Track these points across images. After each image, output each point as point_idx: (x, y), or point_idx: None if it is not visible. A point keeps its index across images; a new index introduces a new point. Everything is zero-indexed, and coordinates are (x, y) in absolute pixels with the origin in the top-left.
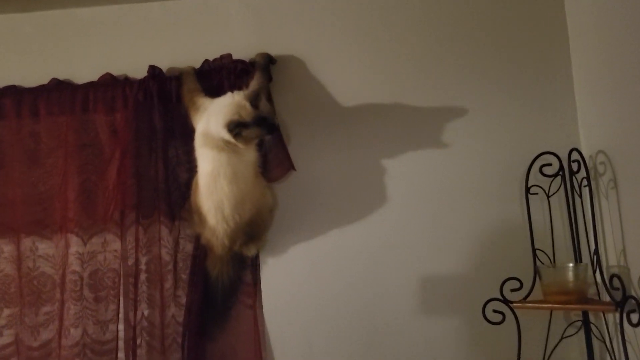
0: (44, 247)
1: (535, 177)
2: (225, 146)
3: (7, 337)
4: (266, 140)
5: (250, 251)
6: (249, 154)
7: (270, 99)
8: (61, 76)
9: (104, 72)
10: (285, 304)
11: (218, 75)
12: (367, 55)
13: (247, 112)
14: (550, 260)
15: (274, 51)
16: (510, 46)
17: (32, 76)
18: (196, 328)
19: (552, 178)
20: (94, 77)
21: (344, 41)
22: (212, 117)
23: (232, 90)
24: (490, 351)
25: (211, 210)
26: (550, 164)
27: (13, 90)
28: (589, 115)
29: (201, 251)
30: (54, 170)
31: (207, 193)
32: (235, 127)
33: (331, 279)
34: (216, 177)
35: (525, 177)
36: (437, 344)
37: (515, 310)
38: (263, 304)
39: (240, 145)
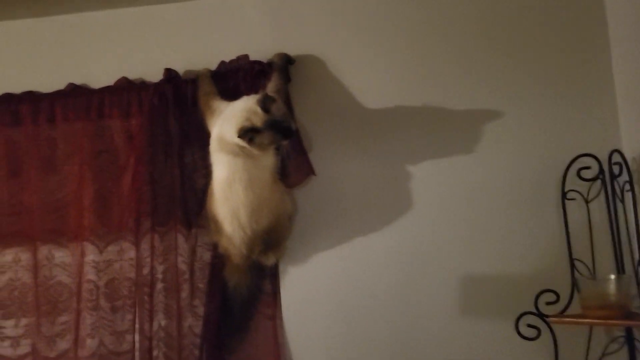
0: (61, 255)
1: (573, 181)
2: (240, 151)
3: (24, 347)
4: (283, 145)
5: (269, 260)
6: (266, 159)
7: (288, 101)
8: (78, 81)
9: (120, 76)
10: (306, 314)
11: (234, 77)
12: (391, 54)
13: (259, 117)
14: (589, 271)
15: (292, 51)
16: (545, 41)
17: (48, 81)
18: (214, 340)
19: (591, 182)
20: (110, 81)
21: (367, 39)
22: (225, 122)
23: (249, 93)
24: None
25: (227, 218)
26: (589, 167)
27: (30, 96)
28: (631, 114)
29: (219, 260)
30: (69, 177)
31: (222, 199)
32: (246, 134)
33: (354, 289)
34: (231, 183)
35: (561, 181)
36: None
37: (551, 325)
38: (283, 315)
39: (255, 151)
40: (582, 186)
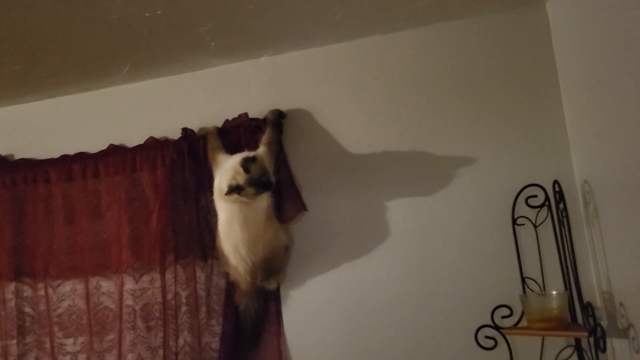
0: (106, 285)
1: (522, 209)
2: (236, 199)
3: None
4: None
5: (271, 285)
6: (259, 202)
7: (281, 149)
8: (116, 141)
9: (148, 136)
10: (305, 330)
11: (236, 132)
12: (370, 106)
13: (241, 176)
14: (540, 287)
15: (284, 106)
16: (500, 85)
17: (94, 143)
18: (230, 354)
19: (538, 209)
20: (142, 140)
21: (349, 94)
22: (221, 177)
23: (248, 145)
24: None
25: (231, 252)
26: (535, 196)
27: (80, 157)
28: (579, 147)
29: (231, 286)
30: (111, 222)
31: (225, 238)
32: (232, 191)
33: (345, 307)
34: (231, 224)
35: (511, 208)
36: None
37: (505, 335)
38: (286, 331)
39: (246, 200)
40: (531, 212)
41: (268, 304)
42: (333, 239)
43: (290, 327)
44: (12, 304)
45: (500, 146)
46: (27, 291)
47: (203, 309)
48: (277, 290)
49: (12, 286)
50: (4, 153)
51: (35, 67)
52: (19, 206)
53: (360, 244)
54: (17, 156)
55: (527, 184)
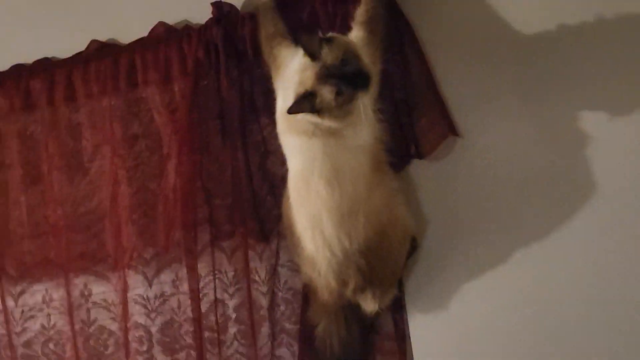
0: (100, 290)
1: None
2: (315, 129)
3: None
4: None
5: (369, 305)
6: (360, 133)
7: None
8: (102, 36)
9: (156, 22)
10: None
11: (308, 5)
12: None
13: (309, 72)
14: None
15: None
16: None
17: (65, 41)
18: None
19: None
20: (145, 30)
21: None
22: (286, 88)
23: (331, 28)
24: None
25: (307, 230)
26: None
27: (43, 66)
28: None
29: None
30: (100, 178)
31: (298, 203)
32: (301, 104)
33: (533, 321)
34: (308, 179)
35: None
36: None
37: None
38: None
39: (334, 123)
40: None
41: (370, 331)
42: (505, 191)
43: None
44: None
45: None
46: None
47: (264, 328)
48: (400, 297)
49: None
50: None
51: None
52: None
53: (553, 207)
54: None
55: None
